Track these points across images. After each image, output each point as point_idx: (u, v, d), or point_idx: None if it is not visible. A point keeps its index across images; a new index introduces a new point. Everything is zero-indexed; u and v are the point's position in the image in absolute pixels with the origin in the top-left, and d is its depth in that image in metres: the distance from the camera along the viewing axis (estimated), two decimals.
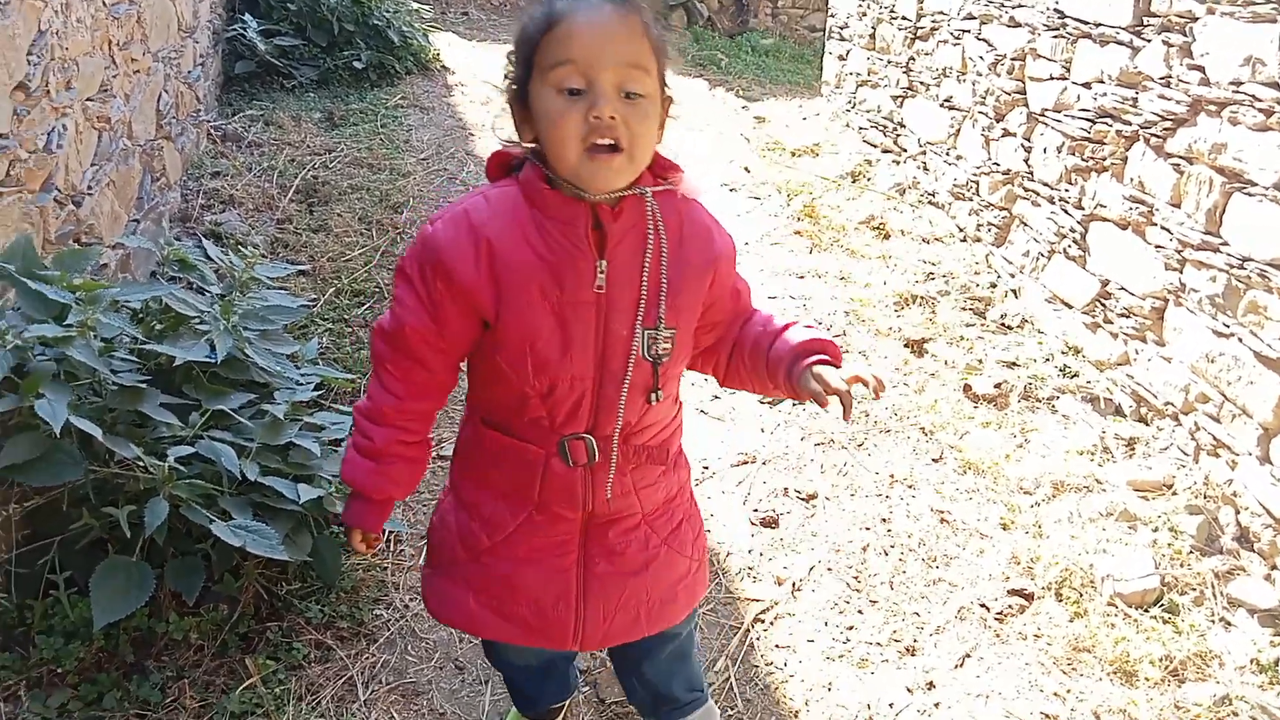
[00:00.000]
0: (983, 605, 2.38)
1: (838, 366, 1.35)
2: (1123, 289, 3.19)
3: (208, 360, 2.12)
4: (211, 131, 4.62)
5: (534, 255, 1.26)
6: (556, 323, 1.28)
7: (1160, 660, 2.21)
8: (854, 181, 5.19)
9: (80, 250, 2.29)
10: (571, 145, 1.22)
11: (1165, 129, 2.95)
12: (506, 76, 1.33)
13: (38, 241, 2.21)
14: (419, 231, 1.33)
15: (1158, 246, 3.00)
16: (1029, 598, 2.40)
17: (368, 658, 2.08)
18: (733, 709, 2.07)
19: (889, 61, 5.37)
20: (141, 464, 1.85)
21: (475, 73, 6.45)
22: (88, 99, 2.78)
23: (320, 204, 4.17)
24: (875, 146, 5.52)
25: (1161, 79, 2.98)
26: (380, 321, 1.38)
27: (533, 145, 1.31)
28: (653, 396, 1.34)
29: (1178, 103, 2.89)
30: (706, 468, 2.91)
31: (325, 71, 5.59)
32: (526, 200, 1.28)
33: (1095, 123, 3.34)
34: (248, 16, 5.45)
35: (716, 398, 3.21)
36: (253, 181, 4.20)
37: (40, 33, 2.39)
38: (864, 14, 5.72)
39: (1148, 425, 3.05)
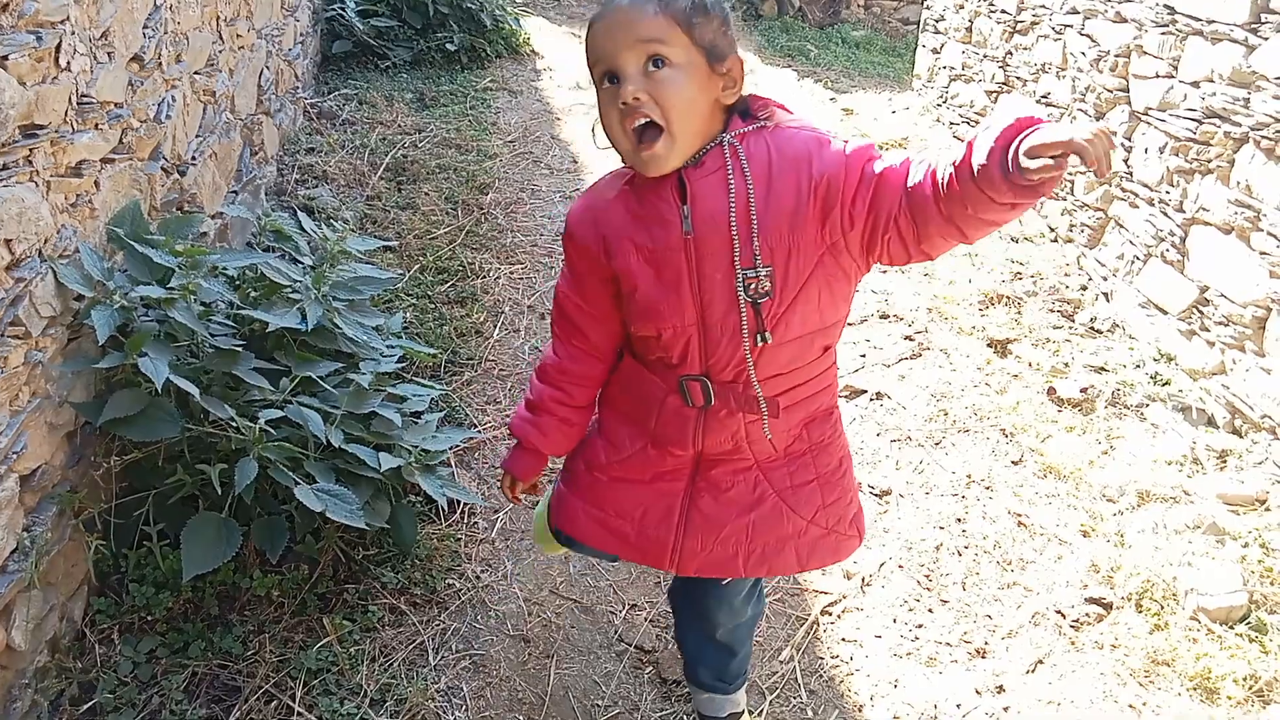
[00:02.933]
0: (1058, 612, 2.32)
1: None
2: (1223, 296, 3.07)
3: (298, 328, 2.19)
4: (308, 108, 4.75)
5: (631, 218, 1.38)
6: (653, 271, 1.37)
7: (1244, 679, 2.13)
8: None
9: (184, 217, 2.38)
10: (619, 137, 1.32)
11: (1277, 131, 2.82)
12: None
13: (144, 207, 2.31)
14: None
15: (1262, 253, 2.87)
16: (1107, 607, 2.34)
17: (438, 624, 2.12)
18: (796, 699, 2.06)
19: (985, 56, 5.24)
20: (234, 424, 1.92)
21: (564, 58, 6.50)
22: (195, 72, 2.88)
23: (409, 182, 4.26)
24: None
25: (1277, 79, 2.85)
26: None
27: None
28: (759, 338, 1.35)
29: None
30: None
31: (418, 53, 5.69)
32: (631, 174, 1.40)
33: (1202, 123, 3.21)
34: None
35: None
36: (345, 159, 4.31)
37: (155, 7, 2.48)
38: (961, 7, 5.59)
39: (1241, 438, 2.93)
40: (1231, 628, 2.27)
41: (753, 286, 1.32)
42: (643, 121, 1.27)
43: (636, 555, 1.55)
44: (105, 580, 2.00)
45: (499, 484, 1.85)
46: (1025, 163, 1.11)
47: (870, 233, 1.31)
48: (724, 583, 1.65)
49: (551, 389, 1.55)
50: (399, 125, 4.81)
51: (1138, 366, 3.34)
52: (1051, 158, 1.10)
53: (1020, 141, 1.12)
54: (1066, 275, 4.03)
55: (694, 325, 1.37)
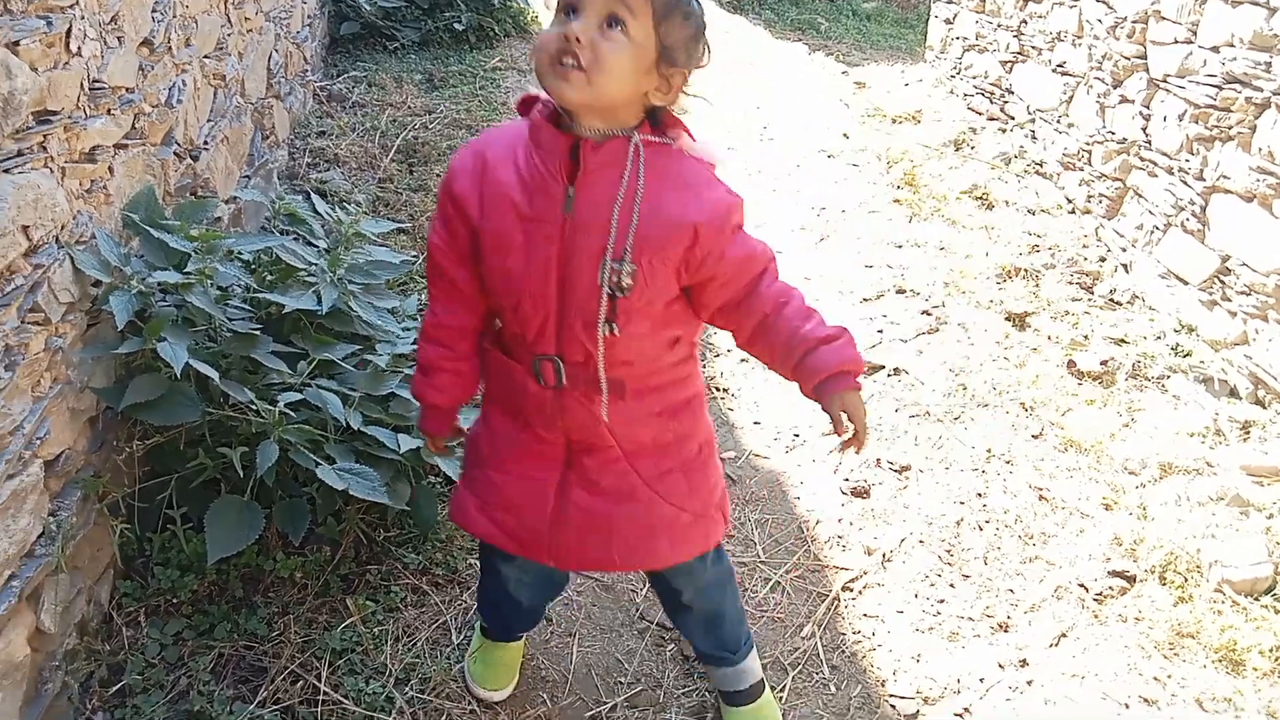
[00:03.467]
0: (1081, 585, 2.31)
1: (858, 391, 1.46)
2: (1244, 265, 3.03)
3: (314, 310, 2.19)
4: (318, 91, 4.73)
5: (514, 175, 1.39)
6: (524, 240, 1.39)
7: (1270, 650, 2.12)
8: (957, 149, 5.04)
9: (199, 202, 2.38)
10: (544, 57, 1.32)
11: None
12: None
13: (158, 193, 2.30)
14: None
15: None
16: (1131, 580, 2.33)
17: (460, 604, 2.13)
18: (819, 674, 2.06)
19: (999, 25, 5.18)
20: (254, 408, 1.92)
21: None
22: (205, 56, 2.87)
23: (420, 164, 4.25)
24: (980, 114, 5.34)
25: None
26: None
27: None
28: (605, 328, 1.39)
29: None
30: (797, 435, 2.89)
31: (426, 33, 5.66)
32: (529, 132, 1.40)
33: (1222, 89, 3.16)
34: None
35: None
36: (356, 141, 4.30)
37: None
38: None
39: (1265, 408, 2.91)
40: (1256, 599, 2.26)
41: (614, 279, 1.36)
42: (571, 63, 1.29)
43: (520, 548, 1.59)
44: (130, 564, 2.01)
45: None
46: (830, 404, 1.44)
47: (718, 288, 1.46)
48: None
49: (435, 346, 1.56)
50: (409, 106, 4.79)
51: (1158, 338, 3.31)
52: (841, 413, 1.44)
53: (840, 384, 1.44)
54: (1085, 247, 3.99)
55: (553, 303, 1.40)
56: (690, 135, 1.43)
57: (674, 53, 1.34)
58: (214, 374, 1.86)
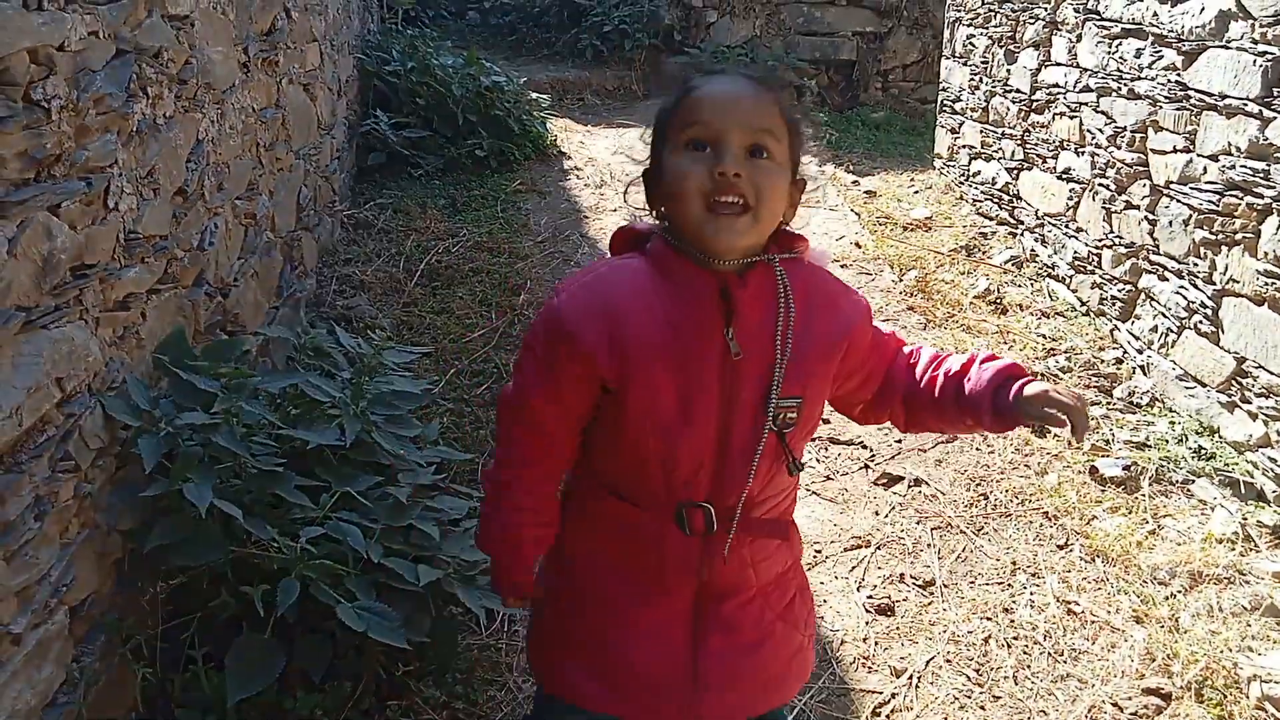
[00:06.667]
0: (1115, 704, 2.26)
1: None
2: (1261, 367, 3.04)
3: (338, 444, 2.24)
4: (345, 220, 4.91)
5: (660, 324, 1.28)
6: (680, 392, 1.28)
7: None
8: (968, 255, 5.11)
9: (227, 341, 2.46)
10: (695, 200, 1.25)
11: None
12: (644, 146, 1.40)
13: (189, 331, 2.39)
14: (545, 303, 1.36)
15: None
16: (1166, 698, 2.27)
17: None
18: None
19: (1003, 134, 5.31)
20: (276, 544, 1.95)
21: (590, 156, 6.67)
22: (236, 198, 3.01)
23: (443, 287, 4.37)
24: (991, 219, 5.44)
25: None
26: (504, 391, 1.43)
27: (661, 220, 1.36)
28: (791, 467, 1.35)
29: None
30: (819, 551, 2.87)
31: (449, 160, 5.88)
32: (654, 270, 1.31)
33: (1224, 195, 3.22)
34: (380, 112, 5.81)
35: (828, 478, 3.18)
36: (381, 266, 4.43)
37: (198, 141, 2.61)
38: (976, 87, 5.69)
39: None
40: None
41: (781, 416, 1.30)
42: (735, 200, 1.24)
43: (651, 714, 1.42)
44: (152, 705, 2.01)
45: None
46: (1026, 407, 1.34)
47: (864, 384, 1.44)
48: None
49: (524, 497, 1.42)
50: (432, 231, 4.95)
51: (1180, 441, 3.29)
52: (1050, 411, 1.32)
53: (1018, 384, 1.36)
54: (1101, 350, 4.00)
55: (711, 450, 1.31)
56: (807, 241, 1.38)
57: (799, 165, 1.33)
58: (238, 513, 1.90)
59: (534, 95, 6.82)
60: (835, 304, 1.37)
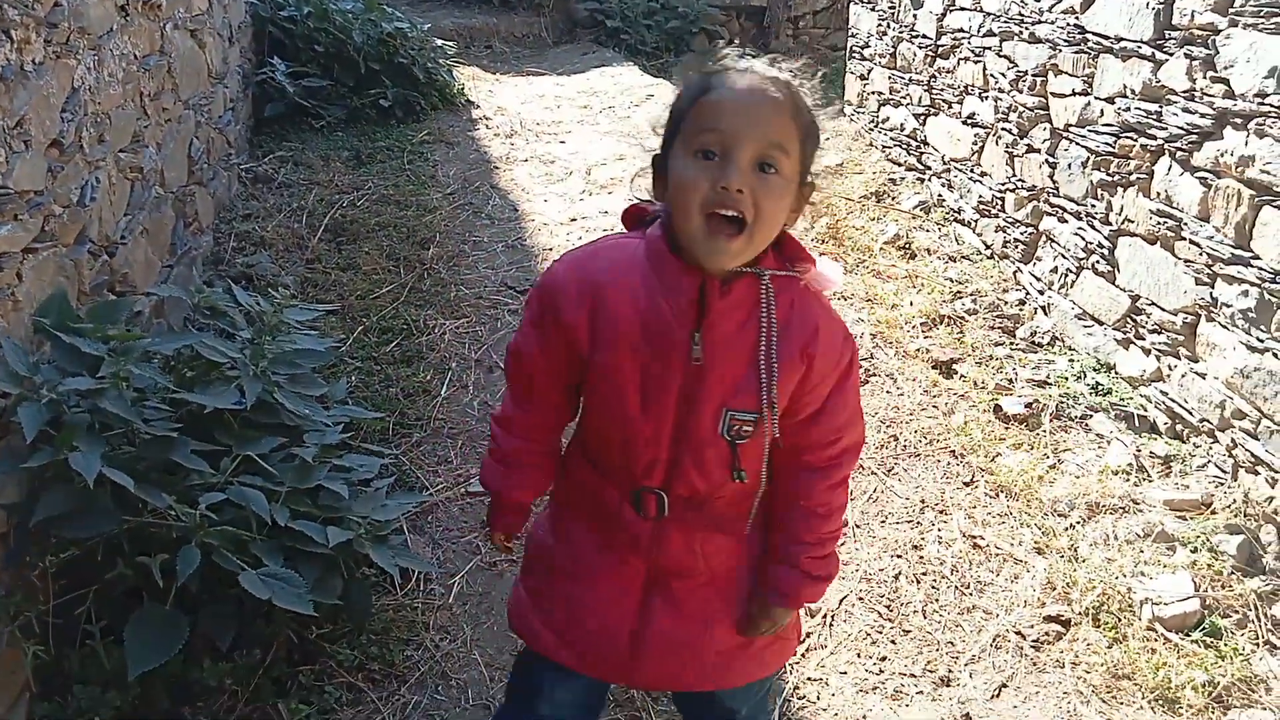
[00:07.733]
0: (1018, 633, 2.34)
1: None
2: (1154, 304, 3.15)
3: (238, 406, 2.15)
4: (242, 174, 4.71)
5: (633, 313, 1.31)
6: (640, 381, 1.32)
7: (1204, 686, 2.16)
8: (878, 201, 5.17)
9: (113, 302, 2.34)
10: (695, 210, 1.24)
11: (1191, 143, 2.92)
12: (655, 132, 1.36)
13: (73, 293, 2.27)
14: (549, 267, 1.40)
15: (1187, 261, 2.96)
16: (1066, 624, 2.37)
17: (399, 699, 2.09)
18: None
19: (910, 80, 5.36)
20: (173, 512, 1.88)
21: (500, 105, 6.53)
22: (120, 151, 2.85)
23: (349, 242, 4.23)
24: (899, 165, 5.50)
25: (1185, 92, 2.95)
26: (511, 340, 1.48)
27: (666, 205, 1.33)
28: (736, 475, 1.35)
29: (1202, 116, 2.86)
30: None
31: (352, 110, 5.68)
32: (646, 257, 1.33)
33: (1120, 137, 3.31)
34: (276, 59, 5.56)
35: None
36: (283, 222, 4.27)
37: (74, 90, 2.45)
38: (884, 33, 5.72)
39: (1184, 443, 3.00)
40: (1187, 635, 2.31)
41: (736, 429, 1.32)
42: (733, 215, 1.23)
43: (584, 666, 1.48)
44: (49, 684, 1.94)
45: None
46: (760, 607, 1.44)
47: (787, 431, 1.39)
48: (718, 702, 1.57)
49: (519, 440, 1.49)
50: (336, 184, 4.78)
51: (1079, 378, 3.41)
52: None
53: (774, 599, 1.44)
54: (1005, 291, 4.11)
55: (666, 445, 1.34)
56: (814, 262, 1.35)
57: (809, 172, 1.31)
58: (129, 482, 1.81)
59: (439, 42, 6.61)
60: (812, 331, 1.33)
